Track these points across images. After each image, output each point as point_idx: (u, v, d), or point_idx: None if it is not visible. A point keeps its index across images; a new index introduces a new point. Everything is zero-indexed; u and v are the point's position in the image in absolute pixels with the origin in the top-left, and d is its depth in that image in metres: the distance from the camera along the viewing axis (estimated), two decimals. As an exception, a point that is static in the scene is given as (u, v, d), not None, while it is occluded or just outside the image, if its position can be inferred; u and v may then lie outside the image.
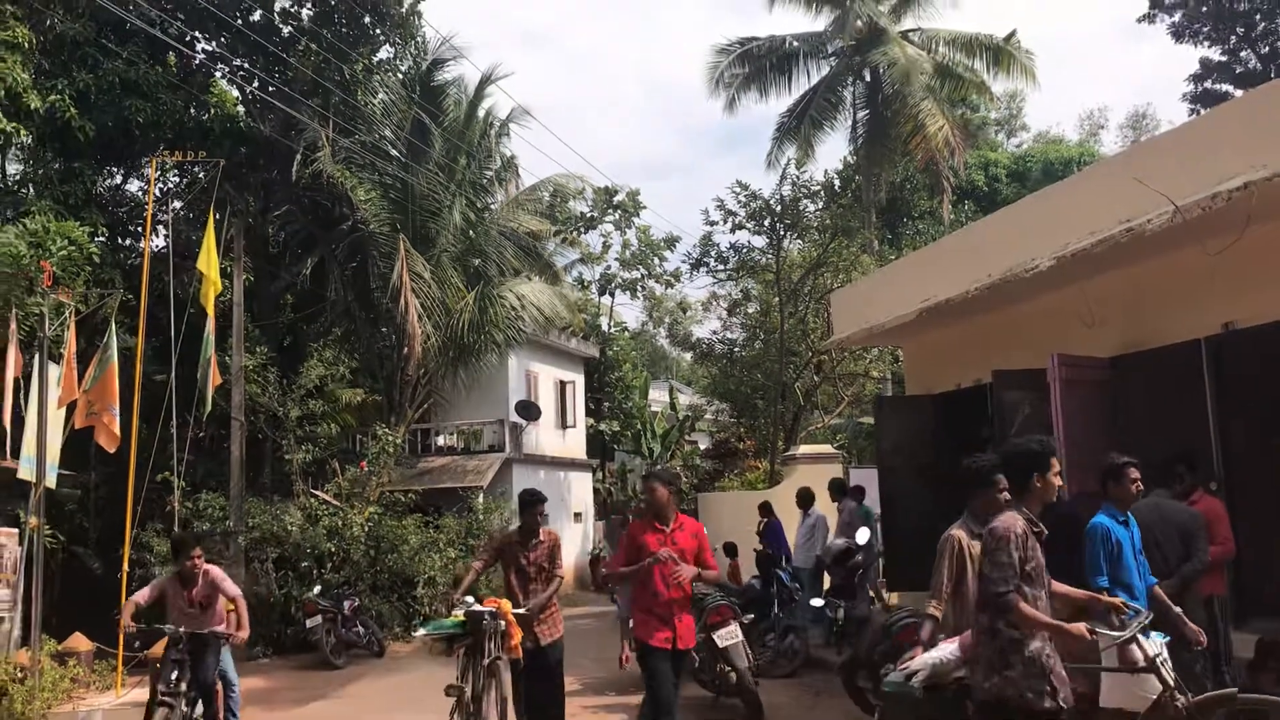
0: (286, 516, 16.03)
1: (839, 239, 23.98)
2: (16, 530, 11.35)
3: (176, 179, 20.39)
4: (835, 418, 28.34)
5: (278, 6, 19.86)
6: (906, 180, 30.32)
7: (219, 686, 7.85)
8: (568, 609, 11.71)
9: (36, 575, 10.76)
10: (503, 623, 7.35)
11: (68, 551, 15.58)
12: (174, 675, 7.45)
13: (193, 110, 19.16)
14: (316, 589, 14.77)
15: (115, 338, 11.93)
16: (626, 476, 31.62)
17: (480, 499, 20.05)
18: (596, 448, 30.58)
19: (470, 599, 7.51)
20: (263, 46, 19.04)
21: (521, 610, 7.44)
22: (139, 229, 18.57)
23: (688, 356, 38.03)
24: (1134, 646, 5.23)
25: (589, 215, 32.36)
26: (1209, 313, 8.49)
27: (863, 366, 25.01)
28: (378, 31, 20.73)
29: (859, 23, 25.72)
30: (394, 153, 20.56)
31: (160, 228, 17.75)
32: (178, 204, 19.10)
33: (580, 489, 27.33)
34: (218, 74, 20.18)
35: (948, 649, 5.27)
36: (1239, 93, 24.87)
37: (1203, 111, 24.22)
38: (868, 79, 26.62)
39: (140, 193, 20.05)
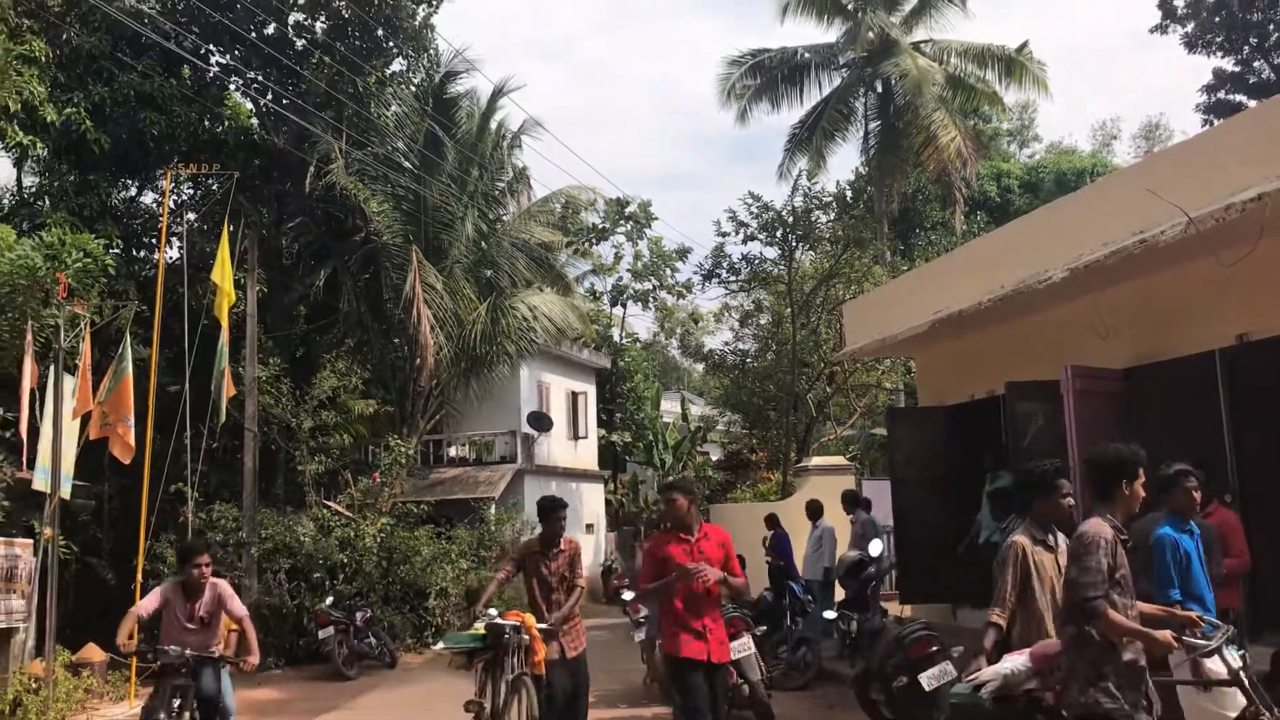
0: (299, 527, 16.05)
1: (851, 250, 24.01)
2: (31, 541, 11.37)
3: (191, 191, 20.52)
4: (848, 429, 28.30)
5: (291, 20, 20.00)
6: (919, 191, 30.34)
7: None
8: (579, 621, 11.67)
9: (51, 586, 10.77)
10: (526, 637, 7.16)
11: (82, 562, 15.60)
12: (176, 703, 6.84)
13: (207, 123, 19.32)
14: (329, 600, 14.77)
15: (130, 349, 11.98)
16: (638, 488, 31.60)
17: (492, 510, 20.08)
18: (608, 459, 30.58)
19: (492, 611, 7.34)
20: (276, 60, 19.17)
21: (545, 625, 7.30)
22: (153, 241, 18.67)
23: (699, 367, 37.98)
24: (1215, 659, 5.09)
25: (601, 226, 32.41)
26: (1223, 324, 8.47)
27: (875, 378, 24.95)
28: (391, 44, 20.83)
29: (870, 34, 25.75)
30: (407, 165, 20.69)
31: (174, 240, 17.82)
32: (192, 216, 19.18)
33: (592, 500, 27.33)
34: (232, 87, 20.35)
35: (1019, 660, 5.02)
36: (1252, 103, 24.79)
37: (1216, 122, 24.20)
38: (879, 90, 26.66)
39: (155, 205, 20.22)
